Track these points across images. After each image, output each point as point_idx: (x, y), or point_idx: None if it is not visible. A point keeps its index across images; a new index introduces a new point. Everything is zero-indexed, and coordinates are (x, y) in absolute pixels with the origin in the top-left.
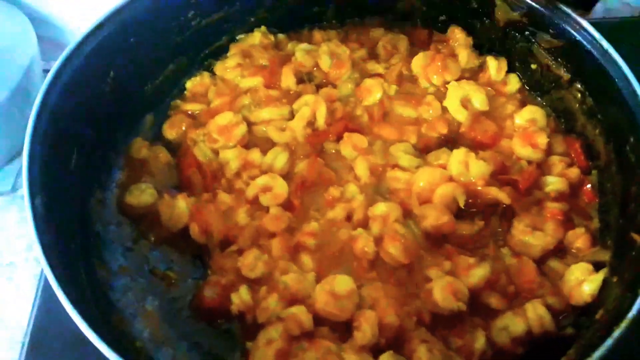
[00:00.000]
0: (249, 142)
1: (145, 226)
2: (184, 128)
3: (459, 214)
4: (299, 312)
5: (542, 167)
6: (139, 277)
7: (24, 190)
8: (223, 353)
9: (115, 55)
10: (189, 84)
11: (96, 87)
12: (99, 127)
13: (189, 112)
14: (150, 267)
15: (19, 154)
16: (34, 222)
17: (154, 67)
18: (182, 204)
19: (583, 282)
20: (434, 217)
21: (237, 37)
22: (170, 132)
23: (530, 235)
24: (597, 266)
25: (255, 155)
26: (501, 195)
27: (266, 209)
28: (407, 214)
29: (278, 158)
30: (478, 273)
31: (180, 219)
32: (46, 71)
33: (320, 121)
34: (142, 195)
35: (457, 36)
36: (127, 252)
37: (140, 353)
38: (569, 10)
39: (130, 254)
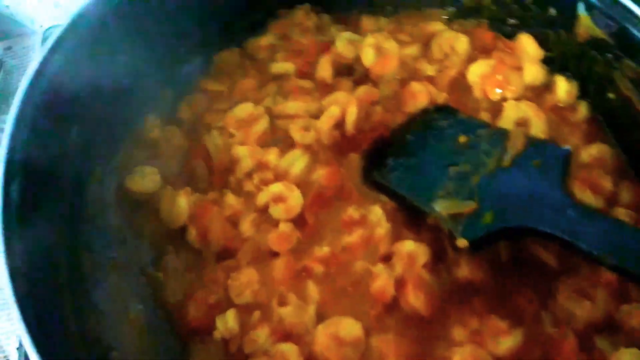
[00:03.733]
0: (268, 138)
1: (142, 217)
2: (200, 109)
3: (498, 265)
4: (289, 351)
5: None
6: (127, 276)
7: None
8: None
9: (139, 18)
10: (215, 58)
11: (112, 52)
12: (110, 98)
13: (210, 92)
14: (141, 265)
15: None
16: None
17: (179, 35)
18: (182, 202)
19: None
20: (469, 270)
21: (277, 13)
22: (185, 110)
23: (577, 303)
24: None
25: (271, 156)
26: (547, 258)
27: (274, 222)
28: (439, 257)
29: (296, 163)
30: (508, 342)
31: (178, 218)
32: None
33: (349, 124)
34: (144, 180)
35: (527, 47)
36: (120, 245)
37: None
38: None
39: (123, 247)
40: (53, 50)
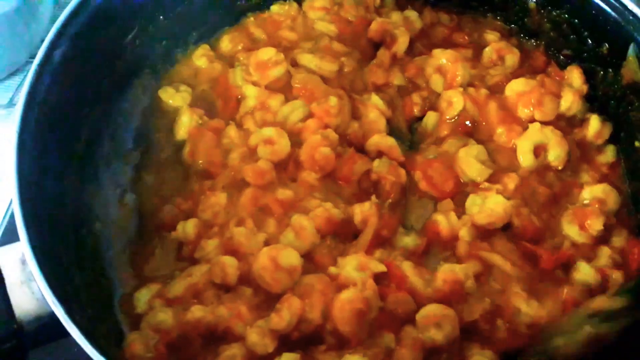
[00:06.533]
0: (283, 85)
1: (160, 124)
2: (240, 47)
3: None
4: (228, 263)
5: (588, 253)
6: (132, 169)
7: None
8: None
9: None
10: (274, 7)
11: None
12: (178, 16)
13: (252, 35)
14: (140, 170)
15: (19, 70)
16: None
17: None
18: (186, 118)
19: None
20: (432, 333)
21: None
22: (226, 44)
23: (524, 301)
24: None
25: (275, 101)
26: (507, 267)
27: (257, 161)
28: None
29: (295, 112)
30: None
31: (179, 131)
32: None
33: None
34: (176, 95)
35: (574, 79)
36: (136, 141)
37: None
38: None
39: (138, 144)
40: None
